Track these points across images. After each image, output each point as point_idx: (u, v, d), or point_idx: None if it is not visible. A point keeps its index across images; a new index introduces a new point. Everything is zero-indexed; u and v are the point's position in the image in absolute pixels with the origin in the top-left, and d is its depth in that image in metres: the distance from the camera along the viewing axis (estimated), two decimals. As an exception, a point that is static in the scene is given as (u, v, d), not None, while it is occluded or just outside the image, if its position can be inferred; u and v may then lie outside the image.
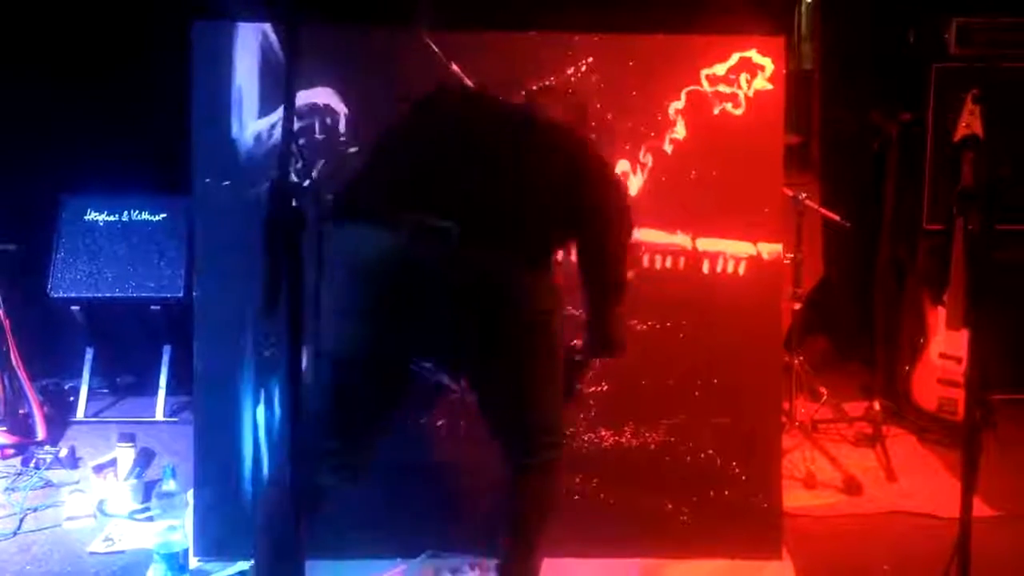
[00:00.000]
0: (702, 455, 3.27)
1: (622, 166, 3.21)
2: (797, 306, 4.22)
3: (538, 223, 2.53)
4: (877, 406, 4.36)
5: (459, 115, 2.68)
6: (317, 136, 3.19)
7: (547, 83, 2.95)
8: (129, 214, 4.75)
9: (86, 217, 4.73)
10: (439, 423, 3.22)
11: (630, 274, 2.71)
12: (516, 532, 2.71)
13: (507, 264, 2.46)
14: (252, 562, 2.69)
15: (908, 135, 4.67)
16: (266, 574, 2.44)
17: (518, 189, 2.51)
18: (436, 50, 3.15)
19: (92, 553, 3.32)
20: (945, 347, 4.38)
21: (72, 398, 4.72)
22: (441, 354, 2.67)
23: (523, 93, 2.92)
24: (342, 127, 3.19)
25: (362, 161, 2.67)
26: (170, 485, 3.28)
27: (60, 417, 4.55)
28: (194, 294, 3.24)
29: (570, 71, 3.19)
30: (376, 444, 2.61)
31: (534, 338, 2.54)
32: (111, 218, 4.73)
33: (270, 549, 2.44)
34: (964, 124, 4.26)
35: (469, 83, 3.08)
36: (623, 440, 3.26)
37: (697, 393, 3.27)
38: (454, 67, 3.15)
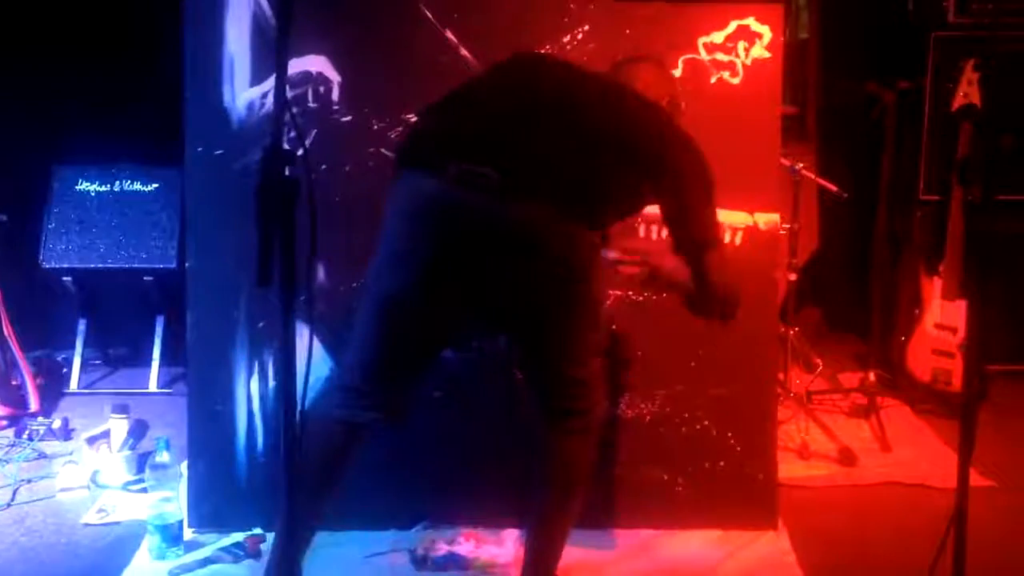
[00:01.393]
0: (697, 426, 3.27)
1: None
2: (793, 277, 4.21)
3: (595, 184, 2.51)
4: (872, 377, 4.36)
5: (532, 75, 2.66)
6: (311, 105, 3.16)
7: (636, 56, 2.91)
8: (121, 184, 4.71)
9: (78, 187, 4.70)
10: (435, 393, 3.20)
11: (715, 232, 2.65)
12: (553, 494, 2.71)
13: (550, 219, 2.45)
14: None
15: (906, 104, 4.64)
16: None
17: (580, 148, 2.48)
18: (430, 16, 3.12)
19: (86, 524, 3.32)
20: (940, 317, 4.37)
21: (65, 369, 4.69)
22: (481, 304, 2.64)
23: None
24: (335, 95, 3.16)
25: (429, 112, 2.66)
26: (164, 457, 3.27)
27: (53, 388, 4.53)
28: (187, 265, 3.22)
29: (566, 39, 3.15)
30: (411, 390, 2.66)
31: (571, 292, 2.54)
32: (103, 188, 4.70)
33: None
34: (962, 93, 4.23)
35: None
36: (618, 411, 3.25)
37: (693, 364, 3.26)
38: (448, 34, 3.12)
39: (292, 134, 1.90)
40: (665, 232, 2.65)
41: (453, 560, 3.04)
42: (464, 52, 3.14)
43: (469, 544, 3.10)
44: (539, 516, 2.74)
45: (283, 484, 1.92)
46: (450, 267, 2.49)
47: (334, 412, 2.59)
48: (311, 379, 1.88)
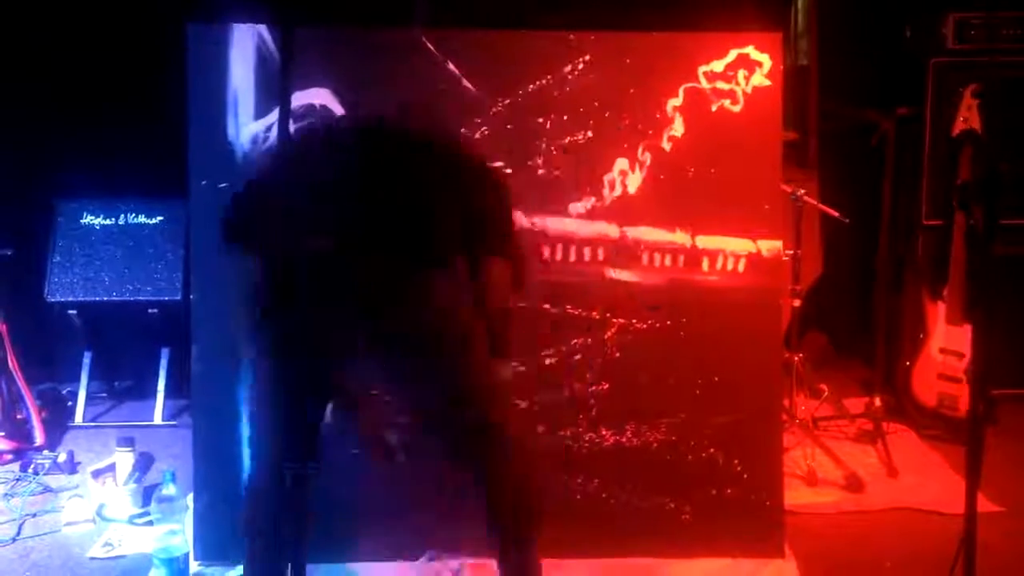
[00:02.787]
0: (703, 454, 3.26)
1: (620, 164, 3.20)
2: (797, 303, 4.21)
3: (431, 226, 2.57)
4: (877, 402, 4.35)
5: (338, 141, 2.75)
6: (314, 137, 3.17)
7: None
8: (125, 217, 4.73)
9: (82, 221, 4.72)
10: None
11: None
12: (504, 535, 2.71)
13: (405, 269, 2.51)
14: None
15: (906, 130, 4.65)
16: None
17: (404, 198, 2.55)
18: (432, 49, 3.14)
19: (92, 558, 3.31)
20: (945, 342, 4.37)
21: (70, 402, 4.69)
22: (360, 365, 2.67)
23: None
24: (338, 128, 3.17)
25: (251, 191, 2.62)
26: (170, 489, 3.27)
27: (58, 422, 4.53)
28: (191, 297, 3.23)
29: (567, 69, 3.17)
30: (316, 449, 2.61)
31: (447, 335, 2.58)
32: (107, 221, 4.72)
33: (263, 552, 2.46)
34: (962, 119, 4.25)
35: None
36: (624, 439, 3.25)
37: (698, 391, 3.26)
38: (450, 66, 3.14)
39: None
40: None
41: (459, 590, 3.03)
42: (466, 83, 3.16)
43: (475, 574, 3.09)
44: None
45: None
46: (327, 338, 2.50)
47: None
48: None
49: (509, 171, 3.16)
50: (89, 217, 4.72)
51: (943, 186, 4.56)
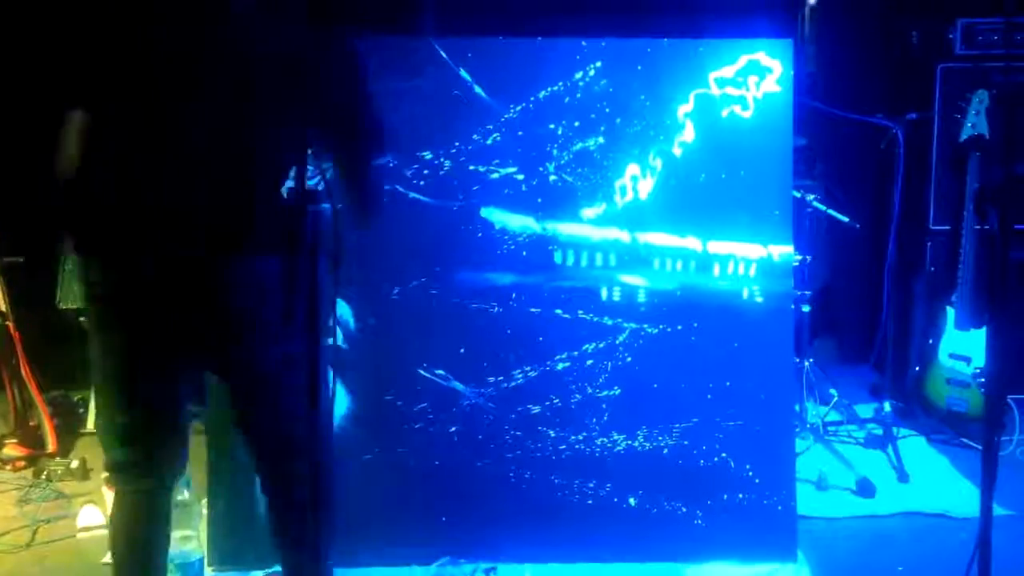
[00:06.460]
0: (715, 458, 3.27)
1: (632, 170, 3.22)
2: (807, 308, 4.22)
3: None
4: (887, 407, 4.36)
5: None
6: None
7: None
8: (136, 224, 4.73)
9: (94, 228, 4.72)
10: (452, 429, 3.22)
11: None
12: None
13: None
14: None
15: (914, 135, 4.66)
16: None
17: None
18: (445, 56, 3.16)
19: (106, 564, 3.31)
20: (954, 347, 4.37)
21: (81, 409, 4.71)
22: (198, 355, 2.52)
23: None
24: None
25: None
26: (184, 495, 3.27)
27: (70, 428, 4.54)
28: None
29: (579, 76, 3.19)
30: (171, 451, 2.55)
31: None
32: (119, 229, 4.72)
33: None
34: (970, 124, 4.27)
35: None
36: (636, 444, 3.26)
37: (709, 396, 3.27)
38: (463, 73, 3.16)
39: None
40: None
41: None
42: (478, 90, 3.18)
43: (489, 579, 3.10)
44: None
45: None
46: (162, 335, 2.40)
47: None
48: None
49: (521, 177, 3.19)
50: (100, 225, 4.72)
51: (951, 191, 4.57)
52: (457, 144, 3.19)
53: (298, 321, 1.96)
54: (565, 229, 3.23)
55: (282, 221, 1.99)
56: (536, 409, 3.22)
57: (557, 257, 3.23)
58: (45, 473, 4.01)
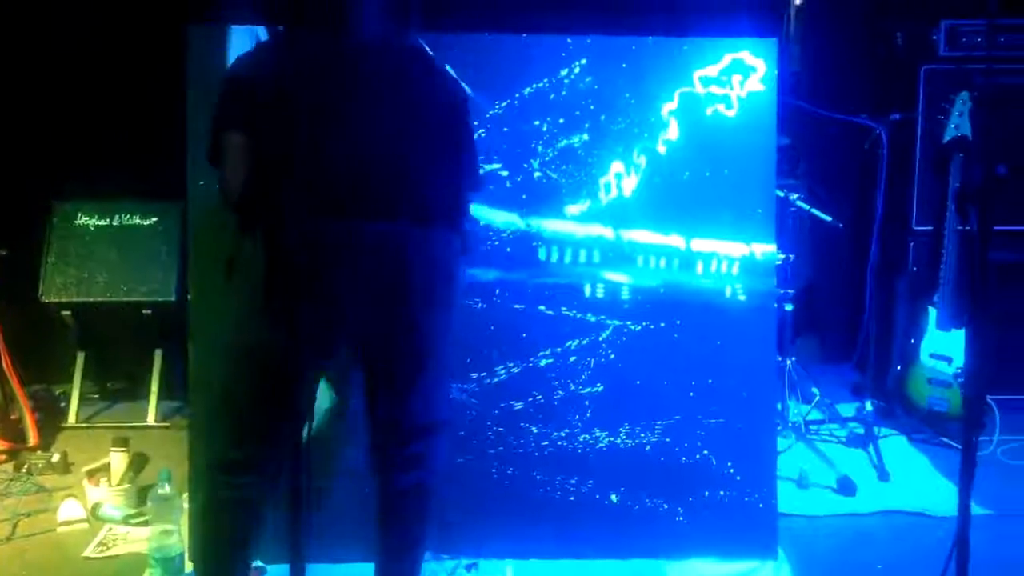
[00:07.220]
0: (697, 455, 3.28)
1: (616, 167, 3.22)
2: (789, 307, 4.24)
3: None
4: (869, 406, 4.38)
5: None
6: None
7: None
8: (120, 218, 4.73)
9: (77, 222, 4.72)
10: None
11: None
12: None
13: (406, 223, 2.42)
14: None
15: (898, 136, 4.69)
16: None
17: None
18: (429, 52, 3.15)
19: (87, 558, 3.31)
20: (935, 347, 4.40)
21: (63, 403, 4.70)
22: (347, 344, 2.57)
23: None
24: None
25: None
26: (165, 489, 3.26)
27: (51, 422, 4.53)
28: (189, 297, 3.23)
29: (564, 73, 3.19)
30: (284, 455, 2.35)
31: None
32: (102, 222, 4.72)
33: None
34: (954, 125, 4.29)
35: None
36: (618, 441, 3.27)
37: (692, 394, 3.28)
38: (447, 69, 3.16)
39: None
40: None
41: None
42: (462, 85, 3.17)
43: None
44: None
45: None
46: (320, 318, 2.36)
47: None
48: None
49: (506, 173, 3.19)
50: (84, 218, 4.72)
51: (934, 192, 4.59)
52: (442, 140, 3.18)
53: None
54: (549, 226, 3.23)
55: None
56: (519, 405, 3.23)
57: (541, 254, 3.23)
58: (26, 467, 3.99)
